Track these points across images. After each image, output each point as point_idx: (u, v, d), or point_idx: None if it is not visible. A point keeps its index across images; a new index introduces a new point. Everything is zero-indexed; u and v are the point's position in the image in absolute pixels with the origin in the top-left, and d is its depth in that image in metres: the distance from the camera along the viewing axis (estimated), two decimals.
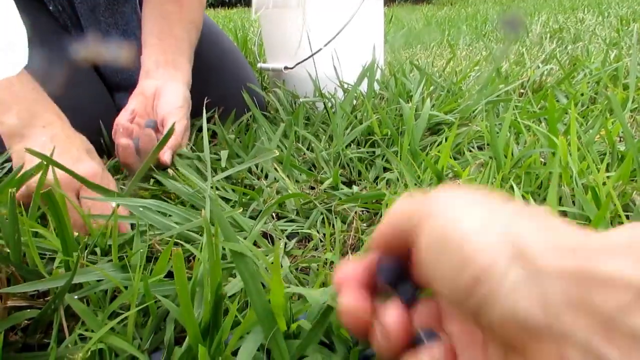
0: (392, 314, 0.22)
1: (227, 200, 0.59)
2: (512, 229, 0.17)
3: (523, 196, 0.50)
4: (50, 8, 0.81)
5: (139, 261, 0.42)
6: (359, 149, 0.75)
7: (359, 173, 0.70)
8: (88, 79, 0.82)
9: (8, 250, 0.42)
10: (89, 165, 0.56)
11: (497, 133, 0.57)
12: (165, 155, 0.63)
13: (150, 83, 0.74)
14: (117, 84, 0.87)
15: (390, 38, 2.23)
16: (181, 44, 0.79)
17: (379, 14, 1.15)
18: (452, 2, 7.88)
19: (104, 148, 0.76)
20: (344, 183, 0.68)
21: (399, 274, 0.23)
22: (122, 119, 0.69)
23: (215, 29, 1.00)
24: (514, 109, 0.85)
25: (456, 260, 0.18)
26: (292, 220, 0.58)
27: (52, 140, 0.57)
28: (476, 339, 0.20)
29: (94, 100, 0.81)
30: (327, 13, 1.05)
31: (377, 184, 0.65)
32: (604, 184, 0.48)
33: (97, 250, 0.47)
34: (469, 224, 0.18)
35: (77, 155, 0.57)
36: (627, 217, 0.44)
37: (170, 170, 0.61)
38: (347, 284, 0.23)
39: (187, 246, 0.37)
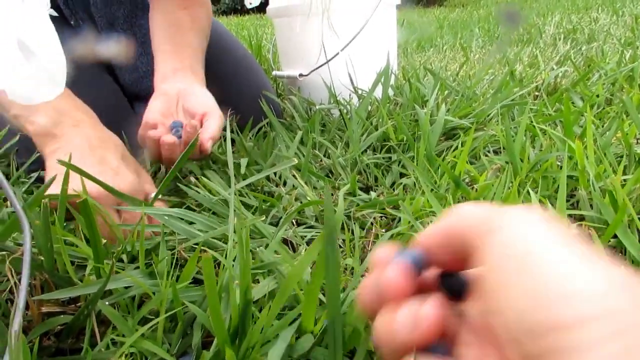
0: (432, 306, 0.20)
1: (247, 207, 0.61)
2: (615, 299, 0.15)
3: (540, 201, 0.50)
4: (72, 23, 0.84)
5: (165, 268, 0.44)
6: (375, 154, 0.76)
7: (376, 179, 0.71)
8: (107, 88, 0.85)
9: (42, 258, 0.43)
10: (129, 179, 0.56)
11: (513, 137, 0.58)
12: (208, 144, 0.62)
13: (171, 86, 0.74)
14: (137, 94, 0.89)
15: (402, 41, 2.24)
16: (195, 52, 0.80)
17: (392, 20, 1.16)
18: (463, 4, 7.86)
19: None
20: (361, 189, 0.69)
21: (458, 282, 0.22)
22: (150, 117, 0.68)
23: (229, 37, 1.02)
24: (529, 112, 0.85)
25: (539, 291, 0.16)
26: (311, 227, 0.59)
27: (86, 142, 0.56)
28: None
29: (114, 110, 0.83)
30: (340, 19, 1.06)
31: (394, 189, 0.66)
32: (623, 186, 0.48)
33: (124, 257, 0.49)
34: (561, 258, 0.17)
35: (115, 165, 0.57)
36: None
37: (192, 179, 0.63)
38: (384, 264, 0.22)
39: (212, 252, 0.38)
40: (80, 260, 0.50)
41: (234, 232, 0.46)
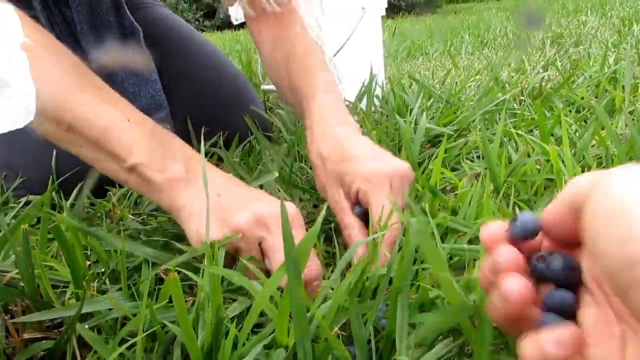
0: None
1: None
2: None
3: (517, 204, 0.51)
4: None
5: (146, 288, 0.44)
6: None
7: None
8: None
9: (22, 285, 0.44)
10: (291, 204, 0.47)
11: (491, 143, 0.59)
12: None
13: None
14: None
15: (393, 51, 2.26)
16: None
17: (377, 30, 1.17)
18: (456, 11, 7.93)
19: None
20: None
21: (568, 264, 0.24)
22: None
23: (218, 55, 1.03)
24: (513, 117, 0.86)
25: (628, 228, 0.18)
26: None
27: (228, 179, 0.50)
28: (613, 332, 0.20)
29: None
30: (326, 31, 1.08)
31: None
32: None
33: (107, 279, 0.49)
34: None
35: (268, 195, 0.50)
36: None
37: None
38: (497, 242, 0.25)
39: (186, 272, 0.38)
40: (64, 284, 0.50)
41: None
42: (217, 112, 0.93)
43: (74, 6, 0.79)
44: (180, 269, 0.37)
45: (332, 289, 0.35)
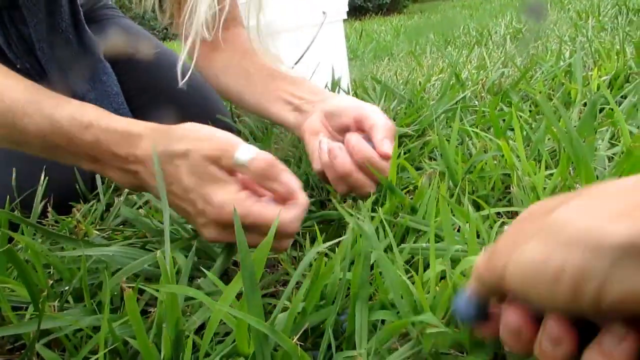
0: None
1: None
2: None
3: (475, 201, 0.52)
4: (18, 66, 0.83)
5: (107, 303, 0.44)
6: None
7: (328, 193, 0.72)
8: None
9: None
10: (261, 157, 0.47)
11: (449, 141, 0.60)
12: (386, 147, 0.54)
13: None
14: None
15: (360, 53, 2.28)
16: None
17: (339, 34, 1.18)
18: (421, 10, 8.04)
19: (80, 194, 0.77)
20: (314, 204, 0.70)
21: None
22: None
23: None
24: (475, 114, 0.87)
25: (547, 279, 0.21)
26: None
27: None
28: None
29: None
30: (289, 38, 1.08)
31: (345, 200, 0.68)
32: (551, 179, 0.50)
33: (71, 297, 0.48)
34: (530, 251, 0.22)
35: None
36: None
37: (142, 210, 0.63)
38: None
39: (143, 286, 0.38)
40: (27, 304, 0.49)
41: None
42: (183, 122, 0.93)
43: (32, 25, 0.78)
44: (143, 286, 0.37)
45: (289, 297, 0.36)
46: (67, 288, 0.50)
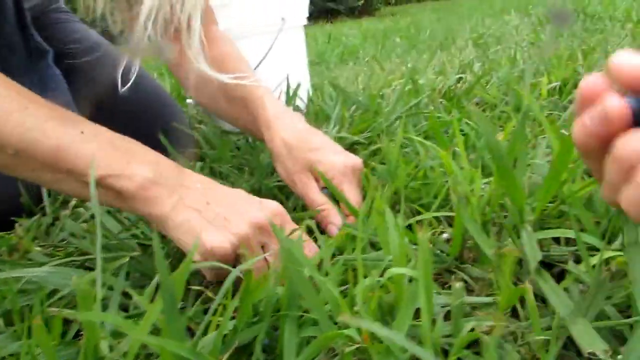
0: None
1: (147, 247, 0.60)
2: None
3: (417, 209, 0.53)
4: None
5: (24, 328, 0.43)
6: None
7: (282, 202, 0.72)
8: None
9: None
10: (273, 203, 0.52)
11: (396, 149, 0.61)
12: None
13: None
14: None
15: (327, 57, 2.29)
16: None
17: (300, 39, 1.18)
18: (392, 13, 8.13)
19: (25, 208, 0.75)
20: None
21: None
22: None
23: (138, 70, 1.01)
24: (428, 120, 0.89)
25: None
26: None
27: (207, 185, 0.49)
28: None
29: None
30: (249, 44, 1.08)
31: (295, 209, 0.68)
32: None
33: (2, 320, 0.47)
34: None
35: (246, 196, 0.51)
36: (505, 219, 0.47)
37: (84, 225, 0.62)
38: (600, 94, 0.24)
39: (64, 310, 0.37)
40: None
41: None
42: (139, 130, 0.91)
43: None
44: (61, 311, 0.36)
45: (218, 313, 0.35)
46: None
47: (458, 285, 0.32)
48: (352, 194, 0.55)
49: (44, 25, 0.94)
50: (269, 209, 0.49)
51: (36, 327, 0.27)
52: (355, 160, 0.59)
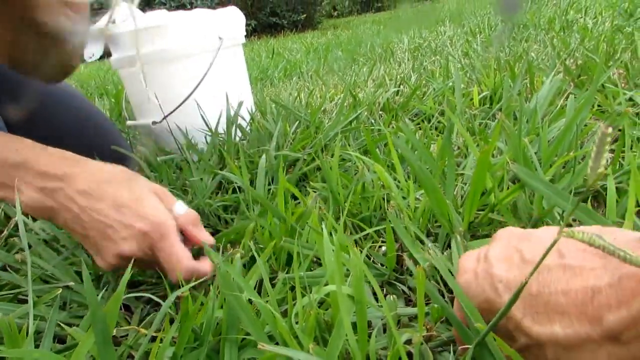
0: None
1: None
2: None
3: (358, 224, 0.54)
4: None
5: None
6: (224, 196, 0.77)
7: (226, 222, 0.72)
8: None
9: None
10: (179, 205, 0.53)
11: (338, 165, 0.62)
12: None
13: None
14: None
15: (270, 73, 2.30)
16: None
17: (239, 57, 1.19)
18: (335, 26, 8.26)
19: None
20: (213, 234, 0.69)
21: None
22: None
23: (70, 90, 0.98)
24: (371, 133, 0.91)
25: None
26: (154, 284, 0.58)
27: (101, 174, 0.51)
28: None
29: None
30: (185, 63, 1.07)
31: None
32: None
33: None
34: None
35: (136, 197, 0.50)
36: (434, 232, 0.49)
37: (18, 256, 0.59)
38: None
39: None
40: None
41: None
42: (79, 153, 0.89)
43: None
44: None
45: (161, 339, 0.35)
46: None
47: (391, 298, 0.33)
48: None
49: None
50: (158, 215, 0.49)
51: None
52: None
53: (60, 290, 0.42)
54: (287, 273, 0.47)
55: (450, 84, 1.11)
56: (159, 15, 1.07)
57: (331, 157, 0.77)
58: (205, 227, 0.72)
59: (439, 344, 0.35)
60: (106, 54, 1.16)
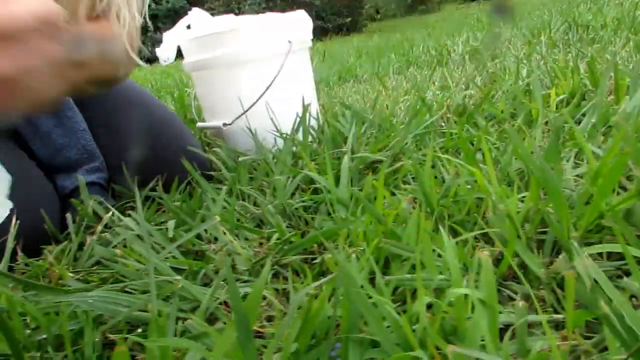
0: None
1: (179, 271, 0.60)
2: None
3: (452, 227, 0.54)
4: None
5: (93, 354, 0.43)
6: (303, 197, 0.77)
7: (307, 222, 0.73)
8: (20, 163, 0.81)
9: None
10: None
11: (422, 166, 0.62)
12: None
13: None
14: (57, 167, 0.87)
15: (325, 76, 2.31)
16: None
17: (306, 61, 1.20)
18: (380, 29, 8.24)
19: (51, 235, 0.75)
20: (294, 236, 0.70)
21: None
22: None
23: (146, 98, 1.02)
24: (442, 136, 0.90)
25: None
26: (246, 281, 0.59)
27: None
28: None
29: (30, 184, 0.79)
30: (256, 67, 1.09)
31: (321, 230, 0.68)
32: (523, 202, 0.52)
33: (50, 346, 0.47)
34: None
35: None
36: (544, 236, 0.48)
37: (118, 251, 0.62)
38: None
39: (134, 338, 0.38)
40: (3, 357, 0.47)
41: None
42: (153, 155, 0.92)
43: None
44: (131, 336, 0.36)
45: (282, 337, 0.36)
46: (45, 337, 0.48)
47: (521, 304, 0.33)
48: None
49: None
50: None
51: (120, 354, 0.27)
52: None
53: (181, 284, 0.44)
54: (385, 275, 0.47)
55: (522, 86, 1.09)
56: (230, 20, 1.09)
57: (408, 159, 0.77)
58: (287, 227, 0.73)
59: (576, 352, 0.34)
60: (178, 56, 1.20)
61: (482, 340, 0.32)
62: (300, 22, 1.17)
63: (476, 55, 1.93)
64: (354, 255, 0.43)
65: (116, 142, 0.92)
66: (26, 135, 0.85)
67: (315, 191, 0.80)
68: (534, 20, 3.13)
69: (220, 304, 0.55)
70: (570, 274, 0.30)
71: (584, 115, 0.85)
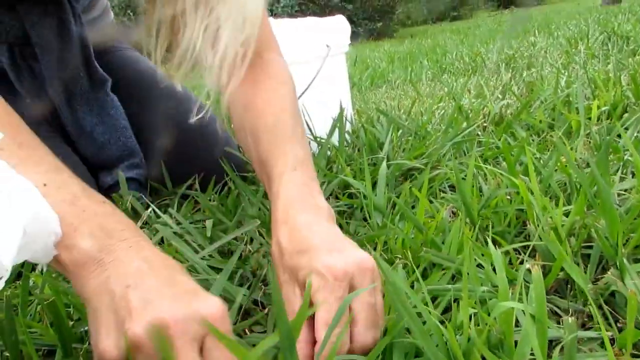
0: None
1: (217, 270, 0.61)
2: None
3: (493, 238, 0.53)
4: (27, 101, 0.84)
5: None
6: (338, 202, 0.78)
7: (341, 227, 0.73)
8: (67, 159, 0.84)
9: (7, 354, 0.43)
10: (217, 302, 0.38)
11: (464, 177, 0.61)
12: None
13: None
14: (100, 164, 0.89)
15: (357, 80, 2.32)
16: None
17: (342, 66, 1.21)
18: (412, 35, 8.20)
19: None
20: None
21: None
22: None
23: (187, 95, 1.04)
24: (479, 145, 0.89)
25: None
26: None
27: (146, 264, 0.40)
28: None
29: None
30: (294, 70, 1.10)
31: (357, 234, 0.68)
32: (567, 215, 0.51)
33: None
34: None
35: (192, 287, 0.40)
36: (589, 251, 0.47)
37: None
38: None
39: None
40: (47, 347, 0.49)
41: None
42: (190, 154, 0.94)
43: (43, 61, 0.79)
44: None
45: None
46: (86, 329, 0.50)
47: (571, 320, 0.32)
48: (325, 307, 0.38)
49: (100, 54, 0.98)
50: (195, 308, 0.37)
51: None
52: (356, 259, 0.41)
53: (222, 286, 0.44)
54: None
55: (562, 96, 1.07)
56: (270, 23, 1.10)
57: (446, 167, 0.76)
58: None
59: None
60: None
61: (531, 355, 0.32)
62: (338, 26, 1.17)
63: (511, 63, 1.90)
64: (400, 265, 0.43)
65: (155, 139, 0.94)
66: (72, 134, 0.88)
67: (350, 196, 0.80)
68: (570, 30, 3.07)
69: (255, 302, 0.56)
70: (632, 292, 0.30)
71: (626, 128, 0.83)
